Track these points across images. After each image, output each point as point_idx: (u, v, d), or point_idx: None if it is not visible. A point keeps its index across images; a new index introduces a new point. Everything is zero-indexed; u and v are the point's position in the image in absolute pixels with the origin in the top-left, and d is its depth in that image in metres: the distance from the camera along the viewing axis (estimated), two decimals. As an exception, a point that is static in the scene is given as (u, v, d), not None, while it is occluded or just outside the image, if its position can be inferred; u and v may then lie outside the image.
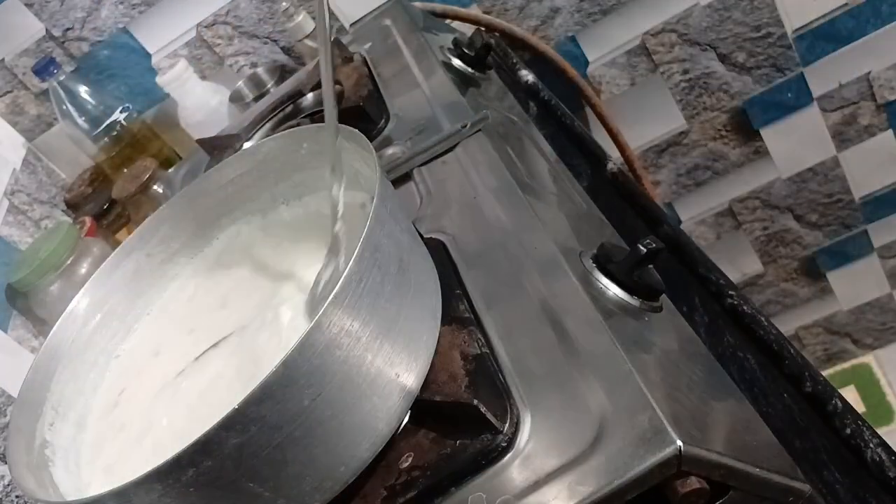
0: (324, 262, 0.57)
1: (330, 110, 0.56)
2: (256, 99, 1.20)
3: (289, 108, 1.01)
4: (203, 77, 1.30)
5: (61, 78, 1.22)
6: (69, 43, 1.28)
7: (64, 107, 1.24)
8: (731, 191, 1.46)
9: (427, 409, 0.53)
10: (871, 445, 0.53)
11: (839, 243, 1.51)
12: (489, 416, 0.50)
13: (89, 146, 1.26)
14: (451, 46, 0.98)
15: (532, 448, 0.49)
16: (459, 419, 0.51)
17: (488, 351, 0.54)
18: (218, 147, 1.01)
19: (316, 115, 0.94)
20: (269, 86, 1.24)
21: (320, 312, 0.46)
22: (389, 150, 0.81)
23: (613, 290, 0.57)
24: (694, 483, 0.44)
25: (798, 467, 0.49)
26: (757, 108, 1.36)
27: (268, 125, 1.00)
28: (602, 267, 0.58)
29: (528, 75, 1.06)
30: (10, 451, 0.54)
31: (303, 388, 0.46)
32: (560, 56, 1.25)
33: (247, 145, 0.97)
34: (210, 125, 1.20)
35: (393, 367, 0.50)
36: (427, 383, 0.53)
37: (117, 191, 1.14)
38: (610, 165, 0.92)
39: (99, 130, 1.24)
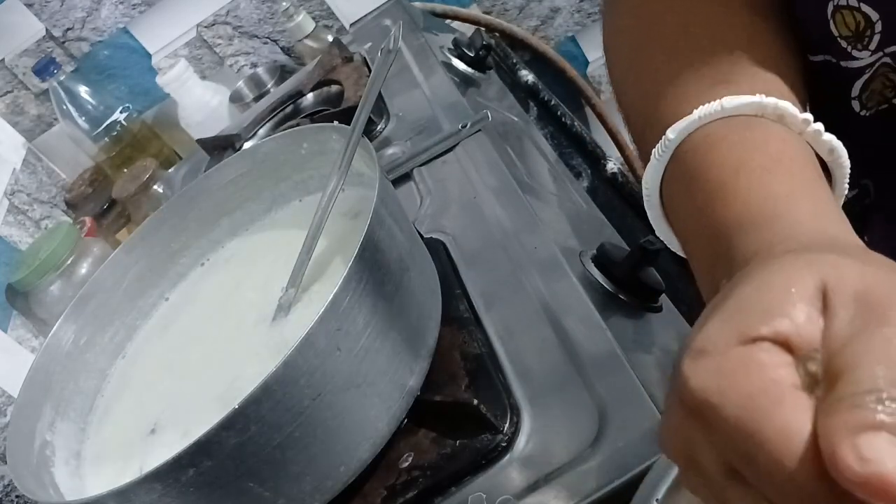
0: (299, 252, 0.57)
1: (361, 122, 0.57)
2: (256, 99, 1.20)
3: (289, 108, 1.01)
4: (203, 77, 1.30)
5: (61, 78, 1.22)
6: (69, 43, 1.27)
7: (64, 107, 1.23)
8: (731, 191, 1.46)
9: (427, 409, 0.53)
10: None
11: (839, 243, 1.51)
12: (489, 416, 0.50)
13: (89, 146, 1.26)
14: (451, 46, 0.98)
15: (532, 448, 0.49)
16: (459, 419, 0.51)
17: (488, 351, 0.54)
18: (218, 147, 1.01)
19: (316, 115, 0.94)
20: (269, 86, 1.23)
21: (319, 314, 0.46)
22: (389, 150, 0.81)
23: (614, 290, 0.57)
24: (694, 483, 0.44)
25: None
26: (757, 108, 1.36)
27: (268, 125, 1.00)
28: (602, 267, 0.58)
29: (528, 75, 1.06)
30: (10, 451, 0.54)
31: (303, 388, 0.46)
32: (560, 56, 1.25)
33: (247, 145, 0.97)
34: (210, 125, 1.19)
35: (393, 367, 0.50)
36: (427, 383, 0.53)
37: (117, 191, 1.14)
38: (610, 165, 0.92)
39: (99, 130, 1.24)
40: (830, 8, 0.40)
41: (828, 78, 0.43)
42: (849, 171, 0.38)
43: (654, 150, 0.40)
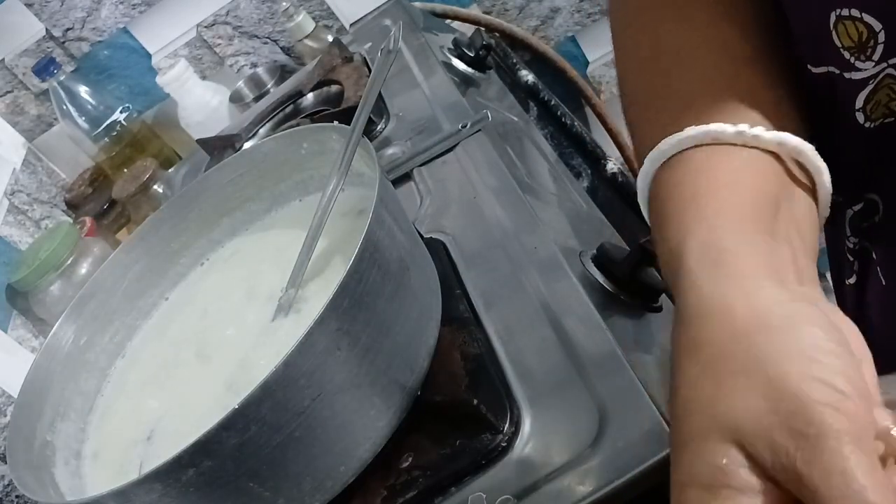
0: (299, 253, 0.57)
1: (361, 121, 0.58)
2: (256, 99, 1.20)
3: (289, 108, 1.00)
4: (203, 77, 1.30)
5: (61, 78, 1.22)
6: (69, 43, 1.27)
7: (64, 107, 1.23)
8: (731, 191, 1.45)
9: (427, 409, 0.53)
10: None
11: (839, 243, 1.50)
12: (489, 416, 0.50)
13: (89, 146, 1.26)
14: (451, 46, 0.98)
15: (532, 448, 0.49)
16: (459, 419, 0.51)
17: (488, 351, 0.54)
18: (218, 147, 1.01)
19: (316, 115, 0.94)
20: (269, 86, 1.23)
21: (319, 314, 0.46)
22: (389, 150, 0.81)
23: (614, 290, 0.57)
24: (694, 483, 0.44)
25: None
26: (757, 108, 1.36)
27: (268, 125, 1.00)
28: (602, 267, 0.58)
29: (528, 75, 1.06)
30: (10, 451, 0.54)
31: (303, 388, 0.46)
32: (560, 56, 1.25)
33: (247, 145, 0.97)
34: (210, 125, 1.19)
35: (393, 367, 0.50)
36: (427, 383, 0.53)
37: (117, 191, 1.14)
38: (610, 165, 0.92)
39: (99, 130, 1.24)
40: (833, 18, 0.40)
41: (831, 90, 0.43)
42: (809, 152, 0.39)
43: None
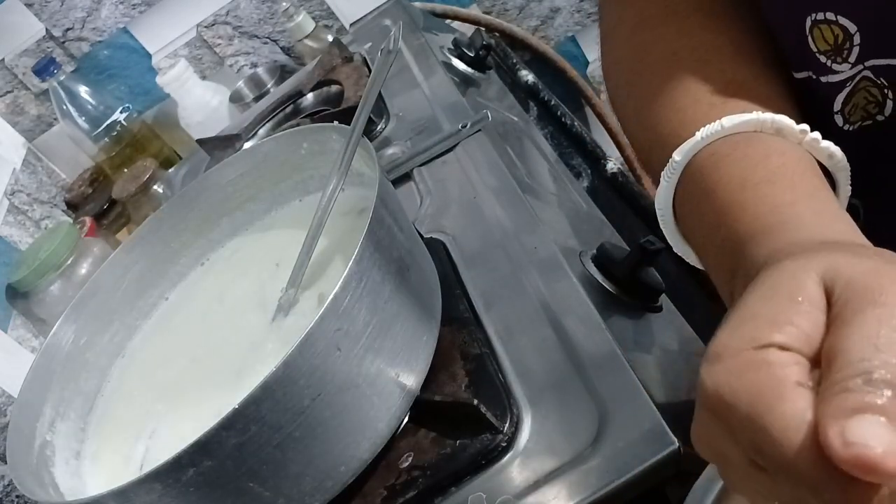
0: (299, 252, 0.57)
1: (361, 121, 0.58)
2: (256, 99, 1.20)
3: (289, 108, 1.00)
4: (203, 77, 1.30)
5: (61, 78, 1.22)
6: (69, 43, 1.27)
7: (64, 107, 1.23)
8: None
9: (427, 409, 0.53)
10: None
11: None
12: (489, 416, 0.50)
13: (89, 146, 1.26)
14: (451, 46, 0.98)
15: (532, 448, 0.49)
16: (459, 419, 0.51)
17: (488, 351, 0.54)
18: (218, 147, 1.01)
19: (316, 115, 0.94)
20: (269, 86, 1.23)
21: (319, 314, 0.46)
22: (389, 150, 0.81)
23: (613, 290, 0.57)
24: (694, 483, 0.44)
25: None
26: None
27: (268, 125, 1.00)
28: (602, 267, 0.58)
29: (528, 75, 1.06)
30: (10, 451, 0.54)
31: (303, 388, 0.46)
32: (560, 56, 1.25)
33: (247, 145, 0.97)
34: (210, 125, 1.19)
35: (393, 367, 0.50)
36: (427, 383, 0.53)
37: (117, 191, 1.14)
38: (610, 165, 0.92)
39: (99, 130, 1.24)
40: (808, 23, 0.41)
41: (811, 94, 0.44)
42: (849, 173, 0.40)
43: (662, 173, 0.42)
